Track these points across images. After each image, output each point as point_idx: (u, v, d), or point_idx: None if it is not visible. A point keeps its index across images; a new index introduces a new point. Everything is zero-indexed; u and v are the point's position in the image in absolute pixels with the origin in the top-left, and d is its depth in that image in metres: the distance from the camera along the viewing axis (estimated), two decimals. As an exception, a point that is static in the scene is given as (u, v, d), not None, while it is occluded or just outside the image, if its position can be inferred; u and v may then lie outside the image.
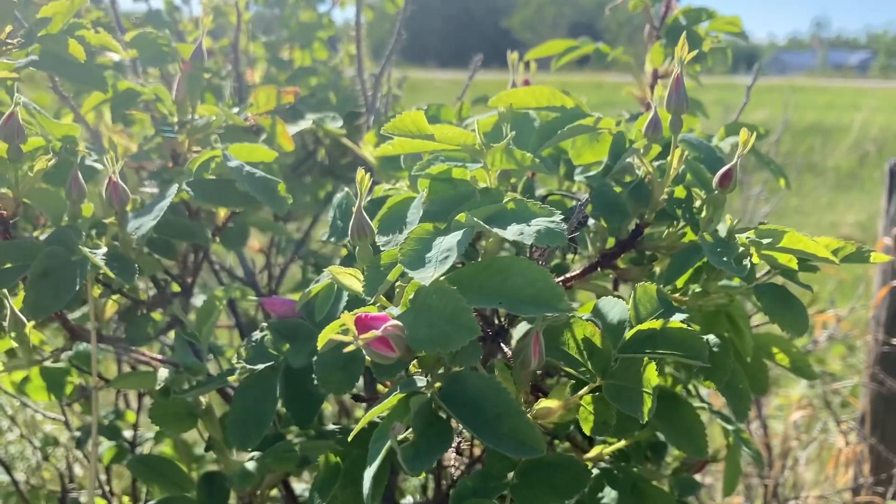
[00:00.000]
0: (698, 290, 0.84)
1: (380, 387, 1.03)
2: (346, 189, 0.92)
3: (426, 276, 0.63)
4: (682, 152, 0.85)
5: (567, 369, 0.70)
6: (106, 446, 1.50)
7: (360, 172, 0.71)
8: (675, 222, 0.88)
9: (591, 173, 0.89)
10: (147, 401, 1.78)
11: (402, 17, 1.22)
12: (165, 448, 1.65)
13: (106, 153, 0.91)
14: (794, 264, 0.79)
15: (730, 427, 1.08)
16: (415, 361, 0.68)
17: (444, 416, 0.62)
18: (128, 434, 1.56)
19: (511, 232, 0.64)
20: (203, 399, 1.01)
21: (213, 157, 0.91)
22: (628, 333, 0.71)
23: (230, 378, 0.89)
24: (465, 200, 0.74)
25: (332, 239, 0.89)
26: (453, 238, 0.66)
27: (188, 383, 0.98)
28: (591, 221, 0.93)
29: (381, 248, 0.75)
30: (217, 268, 1.56)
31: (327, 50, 1.90)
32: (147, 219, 0.86)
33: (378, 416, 0.78)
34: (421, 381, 0.64)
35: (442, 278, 0.63)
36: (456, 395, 0.60)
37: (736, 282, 0.87)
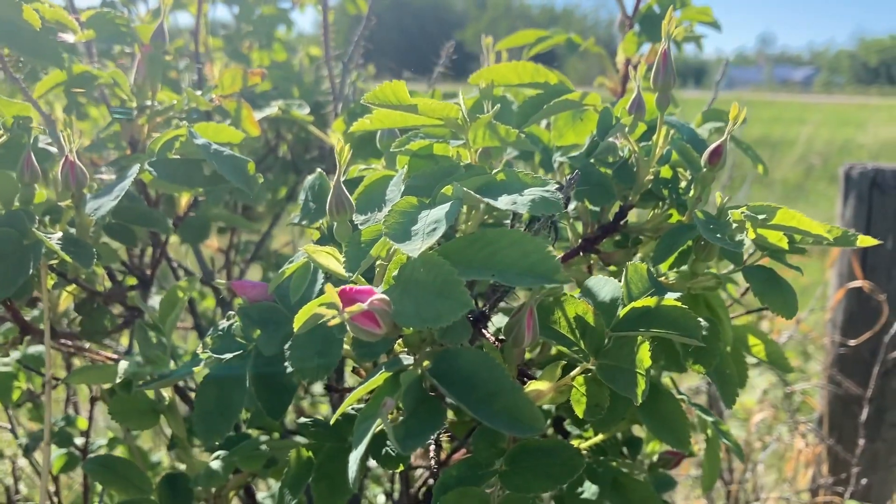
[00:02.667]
0: (686, 271, 0.82)
1: (351, 381, 0.99)
2: (319, 171, 0.88)
3: (414, 248, 0.59)
4: (668, 131, 0.82)
5: (560, 348, 0.67)
6: (56, 454, 1.43)
7: (339, 143, 0.67)
8: (660, 203, 0.85)
9: (574, 154, 0.86)
10: (100, 409, 1.71)
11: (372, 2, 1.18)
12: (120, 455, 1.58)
13: (61, 137, 0.86)
14: (784, 244, 0.77)
15: (709, 419, 1.06)
16: (399, 341, 0.64)
17: (433, 394, 0.58)
18: (79, 442, 1.49)
19: (503, 202, 0.61)
20: (166, 394, 0.96)
21: (178, 136, 0.87)
22: (622, 311, 0.68)
23: (196, 369, 0.84)
24: (450, 175, 0.70)
25: (304, 222, 0.85)
26: (441, 210, 0.63)
27: (150, 377, 0.92)
28: (570, 207, 0.90)
29: (360, 228, 0.71)
30: (175, 265, 1.50)
31: (286, 52, 1.86)
32: (107, 199, 0.81)
33: (360, 401, 0.75)
34: (408, 360, 0.60)
35: (430, 251, 0.59)
36: (448, 372, 0.56)
37: (713, 269, 0.85)
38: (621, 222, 0.86)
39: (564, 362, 0.69)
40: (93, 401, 1.54)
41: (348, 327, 0.58)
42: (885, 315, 2.10)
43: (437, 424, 0.54)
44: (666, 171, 0.84)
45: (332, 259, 0.70)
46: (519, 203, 0.60)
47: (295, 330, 0.66)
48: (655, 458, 1.14)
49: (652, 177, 0.83)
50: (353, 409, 0.88)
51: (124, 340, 1.79)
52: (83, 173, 0.85)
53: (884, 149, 12.04)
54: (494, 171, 0.66)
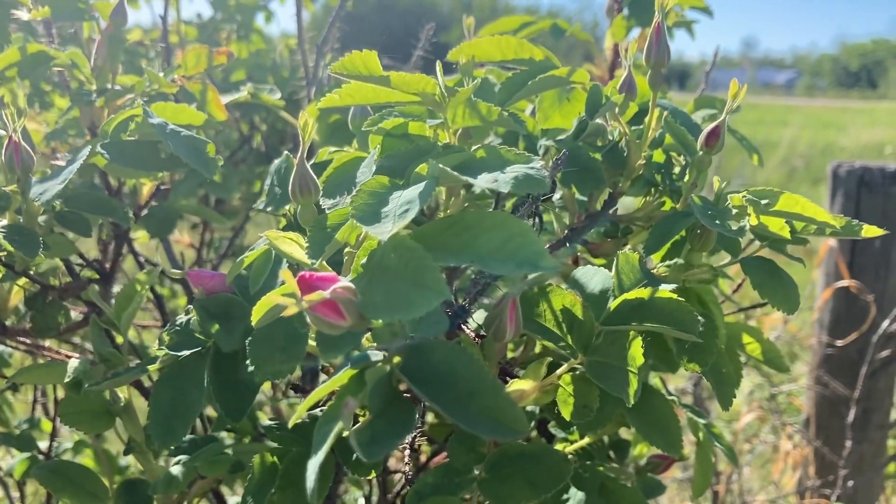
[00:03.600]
0: (680, 263, 0.76)
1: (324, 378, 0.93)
2: (287, 153, 0.81)
3: (383, 230, 0.53)
4: (662, 112, 0.77)
5: (545, 343, 0.61)
6: (18, 459, 1.35)
7: (303, 117, 0.61)
8: (652, 190, 0.80)
9: (561, 137, 0.80)
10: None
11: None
12: (86, 459, 1.51)
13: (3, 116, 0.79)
14: (786, 232, 0.71)
15: (701, 421, 1.01)
16: (368, 336, 0.58)
17: (406, 395, 0.52)
18: (44, 445, 1.41)
19: (483, 180, 0.55)
20: (122, 395, 0.89)
21: (133, 117, 0.80)
22: (613, 304, 0.62)
23: (151, 368, 0.77)
24: (425, 154, 0.64)
25: (270, 208, 0.79)
26: (414, 190, 0.57)
27: (103, 377, 0.86)
28: (556, 196, 0.84)
29: (327, 212, 0.65)
30: (143, 260, 1.43)
31: (265, 43, 1.80)
32: (53, 183, 0.74)
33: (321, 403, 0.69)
34: (377, 356, 0.54)
35: (403, 234, 0.53)
36: (420, 369, 0.50)
37: (705, 261, 0.79)
38: (610, 210, 0.81)
39: (550, 359, 0.63)
40: (56, 403, 1.47)
41: (308, 319, 0.52)
42: (873, 315, 2.06)
43: (407, 428, 0.48)
44: (659, 156, 0.78)
45: (294, 246, 0.64)
46: (501, 181, 0.54)
47: (253, 323, 0.60)
48: (643, 461, 1.09)
49: (644, 161, 0.77)
50: (320, 410, 0.81)
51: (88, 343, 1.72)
52: (29, 155, 0.78)
53: (865, 151, 12.11)
54: (474, 148, 0.60)
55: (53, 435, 1.43)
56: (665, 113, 0.77)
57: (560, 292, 0.61)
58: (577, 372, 0.62)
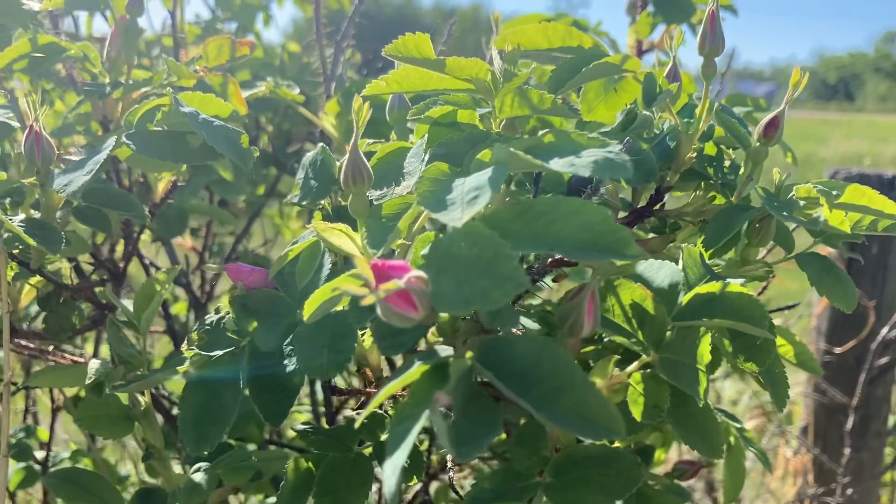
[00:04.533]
0: (734, 259, 0.73)
1: (353, 383, 0.89)
2: (322, 145, 0.78)
3: (454, 217, 0.50)
4: (713, 103, 0.74)
5: (619, 339, 0.58)
6: (13, 468, 1.30)
7: (358, 101, 0.58)
8: (702, 184, 0.77)
9: (605, 129, 0.77)
10: (62, 420, 1.59)
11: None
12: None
13: (27, 103, 0.75)
14: (846, 227, 0.69)
15: (736, 424, 0.98)
16: (432, 330, 0.55)
17: (485, 391, 0.49)
18: (39, 455, 1.36)
19: (559, 164, 0.52)
20: (142, 399, 0.85)
21: (160, 106, 0.76)
22: (684, 298, 0.59)
23: (180, 369, 0.73)
24: (481, 142, 0.61)
25: (305, 202, 0.75)
26: (482, 176, 0.53)
27: (124, 379, 0.82)
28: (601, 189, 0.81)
29: (375, 203, 0.62)
30: (147, 262, 1.38)
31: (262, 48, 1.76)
32: (79, 174, 0.70)
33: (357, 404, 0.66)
34: (446, 350, 0.51)
35: (473, 223, 0.50)
36: (502, 363, 0.47)
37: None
38: (657, 205, 0.78)
39: (618, 356, 0.59)
40: (54, 411, 1.42)
41: (379, 310, 0.48)
42: (872, 322, 2.05)
43: (494, 426, 0.44)
44: (710, 148, 0.75)
45: (344, 238, 0.60)
46: (578, 165, 0.51)
47: (305, 318, 0.57)
48: (664, 467, 1.06)
49: (694, 155, 0.74)
50: (355, 412, 0.78)
51: (89, 348, 1.67)
52: (50, 146, 0.74)
53: (844, 161, 12.21)
54: (541, 133, 0.57)
55: (50, 444, 1.39)
56: (716, 104, 0.74)
57: (629, 286, 0.58)
58: (648, 370, 0.59)
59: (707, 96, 0.73)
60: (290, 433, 1.58)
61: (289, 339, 0.62)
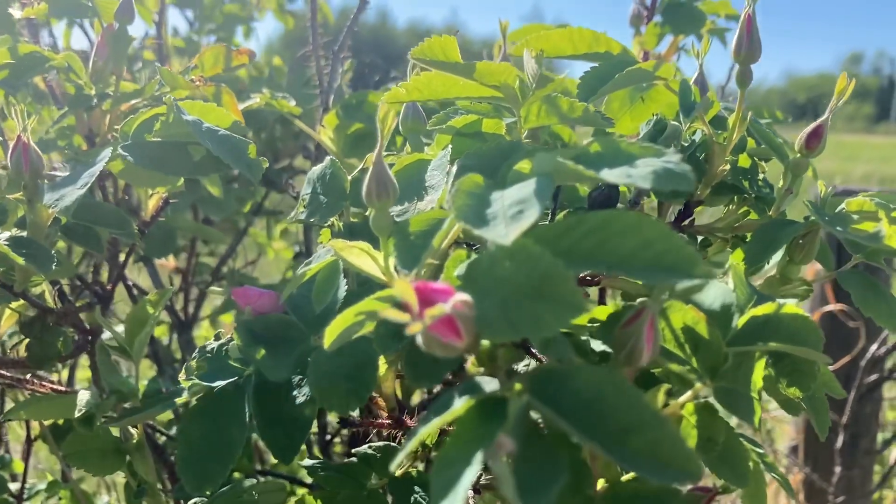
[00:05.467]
0: (773, 277, 0.69)
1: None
2: (331, 158, 0.73)
3: (499, 233, 0.45)
4: (748, 113, 0.70)
5: (673, 366, 0.53)
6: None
7: (384, 107, 0.53)
8: (735, 198, 0.73)
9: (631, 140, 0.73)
10: (36, 450, 1.51)
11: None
12: (62, 502, 1.38)
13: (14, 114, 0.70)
14: (894, 242, 0.65)
15: (758, 449, 0.93)
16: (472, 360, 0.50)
17: (541, 430, 0.44)
18: (13, 487, 1.29)
19: (613, 175, 0.47)
20: (134, 431, 0.79)
21: (158, 116, 0.71)
22: (740, 321, 0.55)
23: (178, 400, 0.68)
24: (514, 153, 0.56)
25: (313, 219, 0.70)
26: (524, 188, 0.48)
27: (116, 411, 0.76)
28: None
29: (397, 220, 0.57)
30: (131, 284, 1.32)
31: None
32: (72, 188, 0.65)
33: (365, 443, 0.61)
34: (489, 383, 0.46)
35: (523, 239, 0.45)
36: (560, 398, 0.42)
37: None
38: (686, 221, 0.73)
39: (667, 385, 0.54)
40: (30, 441, 1.35)
41: (420, 339, 0.43)
42: (863, 340, 2.02)
43: (560, 471, 0.39)
44: (744, 160, 0.71)
45: (366, 258, 0.55)
46: (635, 176, 0.47)
47: (326, 346, 0.51)
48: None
49: (727, 167, 0.70)
50: (369, 448, 0.72)
51: (64, 373, 1.60)
52: (39, 158, 0.68)
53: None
54: (586, 142, 0.52)
55: (25, 476, 1.31)
56: (749, 114, 0.70)
57: (681, 307, 0.53)
58: (701, 400, 0.54)
59: (741, 105, 0.69)
60: (274, 460, 1.52)
61: (309, 368, 0.56)
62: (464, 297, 0.42)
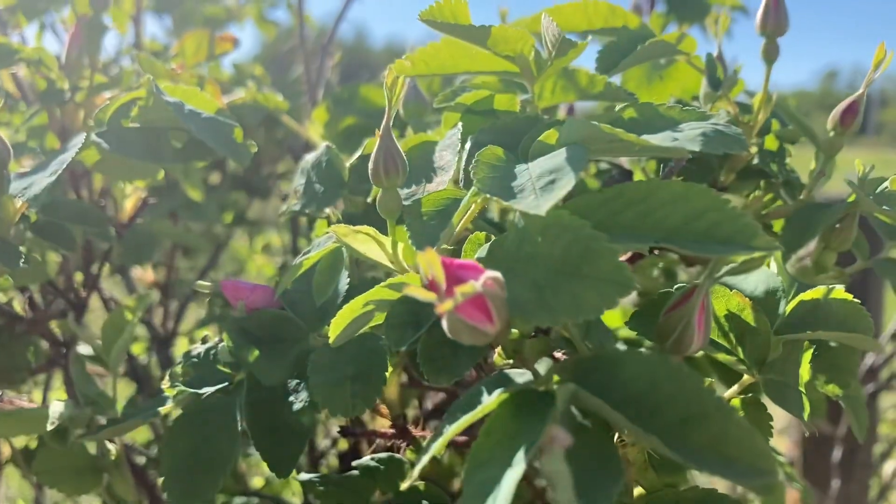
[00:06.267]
0: (806, 266, 0.64)
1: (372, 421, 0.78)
2: (327, 144, 0.67)
3: (530, 204, 0.39)
4: (771, 93, 0.65)
5: (720, 356, 0.48)
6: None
7: (392, 74, 0.47)
8: (761, 184, 0.68)
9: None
10: (9, 475, 1.43)
11: None
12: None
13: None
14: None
15: (780, 457, 0.88)
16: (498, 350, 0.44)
17: (587, 423, 0.38)
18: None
19: (657, 139, 0.42)
20: (112, 447, 0.72)
21: (136, 100, 0.65)
22: (788, 307, 0.49)
23: (162, 410, 0.61)
24: (532, 127, 0.51)
25: (309, 209, 0.64)
26: (554, 158, 0.43)
27: (92, 424, 0.69)
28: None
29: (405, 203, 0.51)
30: (107, 296, 1.25)
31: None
32: (41, 176, 0.59)
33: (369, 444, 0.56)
34: (522, 376, 0.40)
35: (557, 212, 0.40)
36: (609, 388, 0.36)
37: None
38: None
39: (711, 379, 0.49)
40: None
41: (446, 323, 0.37)
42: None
43: (616, 469, 0.34)
44: (771, 143, 0.66)
45: (372, 244, 0.50)
46: (681, 139, 0.41)
47: (331, 341, 0.46)
48: None
49: (754, 150, 0.65)
50: (372, 460, 0.66)
51: (37, 395, 1.52)
52: (5, 147, 0.62)
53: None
54: (619, 108, 0.47)
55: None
56: (774, 94, 0.66)
57: (724, 293, 0.48)
58: (749, 394, 0.49)
59: (767, 84, 0.64)
60: (259, 481, 1.45)
61: (310, 365, 0.51)
62: (495, 274, 0.37)
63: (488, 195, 0.41)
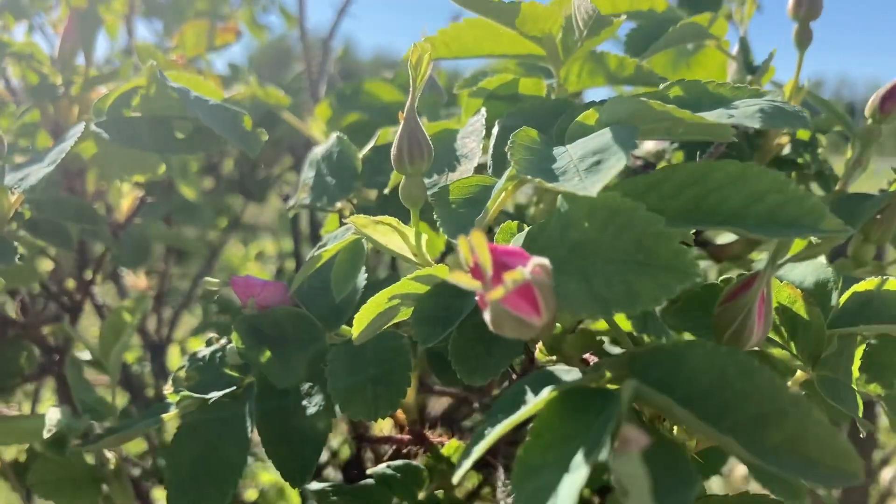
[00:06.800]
0: (843, 261, 0.61)
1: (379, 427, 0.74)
2: (338, 134, 0.64)
3: (578, 186, 0.36)
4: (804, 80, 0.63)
5: (775, 351, 0.44)
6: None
7: (416, 50, 0.44)
8: (792, 175, 0.65)
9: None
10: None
11: None
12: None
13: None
14: None
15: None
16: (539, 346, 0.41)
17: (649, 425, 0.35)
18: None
19: (713, 116, 0.39)
20: (110, 456, 0.68)
21: (137, 88, 0.61)
22: (841, 299, 0.46)
23: (166, 417, 0.58)
24: (563, 110, 0.48)
25: (320, 202, 0.61)
26: (599, 138, 0.40)
27: (91, 433, 0.65)
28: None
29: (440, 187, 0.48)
30: (100, 303, 1.21)
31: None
32: (38, 167, 0.55)
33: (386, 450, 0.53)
34: (569, 373, 0.37)
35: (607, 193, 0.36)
36: (673, 384, 0.33)
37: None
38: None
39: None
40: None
41: (489, 315, 0.34)
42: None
43: (691, 474, 0.30)
44: (803, 132, 0.63)
45: (394, 235, 0.46)
46: (738, 116, 0.38)
47: (354, 337, 0.43)
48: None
49: (786, 140, 0.63)
50: (388, 468, 0.63)
51: (25, 407, 1.47)
52: (-2, 138, 0.59)
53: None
54: (664, 86, 0.44)
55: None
56: (806, 81, 0.63)
57: (774, 283, 0.45)
58: (803, 392, 0.46)
59: (799, 71, 0.62)
60: (251, 494, 1.41)
61: (329, 366, 0.47)
62: (542, 261, 0.34)
63: (529, 177, 0.38)
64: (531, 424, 0.34)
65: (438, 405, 1.01)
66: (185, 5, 1.52)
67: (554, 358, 0.40)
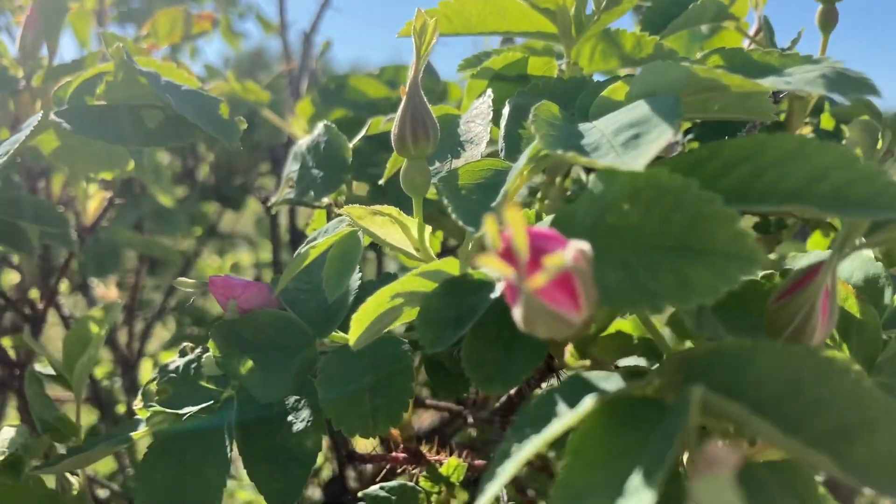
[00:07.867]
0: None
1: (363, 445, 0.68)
2: (325, 123, 0.59)
3: (618, 161, 0.31)
4: (829, 64, 0.58)
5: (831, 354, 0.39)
6: None
7: (421, 16, 0.39)
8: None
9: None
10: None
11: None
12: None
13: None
14: None
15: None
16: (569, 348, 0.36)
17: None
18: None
19: (767, 83, 0.34)
20: (73, 480, 0.62)
21: (103, 74, 0.56)
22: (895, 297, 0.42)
23: (135, 435, 0.52)
24: (582, 88, 0.43)
25: (306, 197, 0.55)
26: (634, 110, 0.35)
27: (50, 454, 0.59)
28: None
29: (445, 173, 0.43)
30: (67, 314, 1.14)
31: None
32: (-11, 157, 0.49)
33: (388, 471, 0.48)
34: (608, 380, 0.31)
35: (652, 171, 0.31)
36: (740, 389, 0.28)
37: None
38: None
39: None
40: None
41: (521, 311, 0.29)
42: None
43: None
44: (827, 121, 0.59)
45: (394, 227, 0.41)
46: (796, 82, 0.34)
47: (351, 341, 0.37)
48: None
49: (809, 130, 0.58)
50: (381, 489, 0.57)
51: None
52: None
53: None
54: (702, 55, 0.39)
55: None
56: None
57: (824, 280, 0.40)
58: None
59: (824, 55, 0.57)
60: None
61: (321, 376, 0.42)
62: (582, 245, 0.28)
63: (559, 152, 0.33)
64: (570, 440, 0.29)
65: (424, 420, 0.96)
66: (157, 6, 1.47)
67: (587, 363, 0.35)
